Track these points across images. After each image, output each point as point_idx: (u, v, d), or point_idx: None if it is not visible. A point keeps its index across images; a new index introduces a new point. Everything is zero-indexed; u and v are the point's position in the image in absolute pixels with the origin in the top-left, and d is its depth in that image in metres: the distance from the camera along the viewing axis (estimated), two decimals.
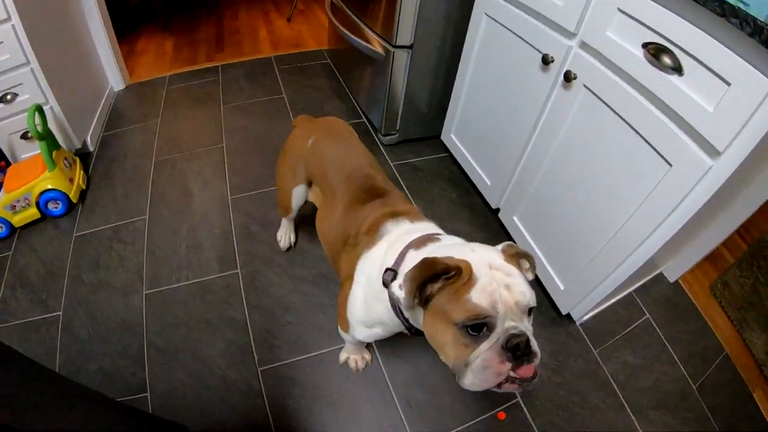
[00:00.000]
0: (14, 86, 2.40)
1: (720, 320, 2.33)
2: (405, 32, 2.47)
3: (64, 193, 2.46)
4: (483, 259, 1.07)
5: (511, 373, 0.98)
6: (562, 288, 2.07)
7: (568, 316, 2.18)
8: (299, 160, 1.84)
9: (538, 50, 1.90)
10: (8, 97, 2.40)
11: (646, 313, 2.29)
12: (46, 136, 2.40)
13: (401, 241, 1.28)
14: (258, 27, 4.60)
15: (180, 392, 1.89)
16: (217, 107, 3.38)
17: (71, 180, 2.54)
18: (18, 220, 2.41)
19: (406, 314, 1.21)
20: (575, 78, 1.72)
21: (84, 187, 2.67)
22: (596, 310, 2.22)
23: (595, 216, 1.79)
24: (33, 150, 2.61)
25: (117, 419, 1.35)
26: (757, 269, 2.22)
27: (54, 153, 2.46)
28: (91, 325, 2.08)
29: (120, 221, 2.52)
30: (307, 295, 2.22)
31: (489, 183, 2.51)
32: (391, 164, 2.97)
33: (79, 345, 2.02)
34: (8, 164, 2.59)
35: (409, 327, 1.27)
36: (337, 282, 1.60)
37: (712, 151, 1.31)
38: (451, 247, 1.16)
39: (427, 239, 1.26)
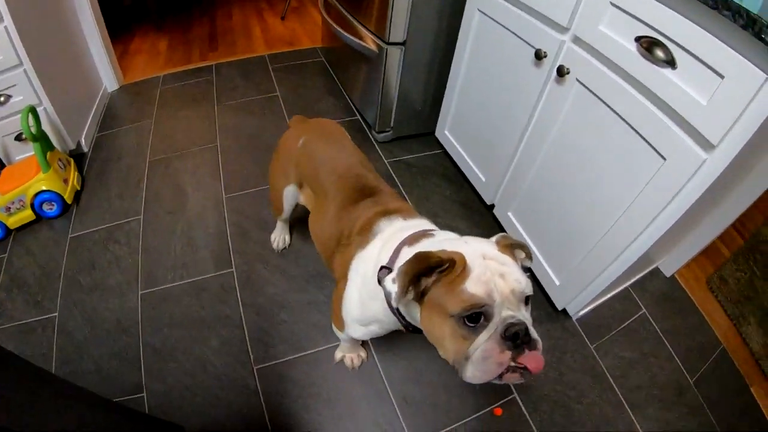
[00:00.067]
0: (7, 88, 2.39)
1: (716, 314, 2.33)
2: (398, 29, 2.46)
3: (58, 194, 2.45)
4: (476, 251, 1.07)
5: (512, 363, 0.97)
6: (557, 283, 2.07)
7: (564, 311, 2.18)
8: (290, 161, 1.84)
9: (531, 45, 1.89)
10: (1, 98, 2.39)
11: (643, 307, 2.29)
12: (40, 138, 2.39)
13: (395, 238, 1.28)
14: (252, 25, 4.59)
15: (176, 392, 1.89)
16: (211, 106, 3.38)
17: (66, 181, 2.53)
18: (13, 221, 2.40)
19: (402, 311, 1.21)
20: (568, 73, 1.72)
21: (78, 188, 2.66)
22: (592, 305, 2.22)
23: (590, 211, 1.79)
24: (27, 152, 2.60)
25: (113, 420, 1.35)
26: (754, 263, 2.22)
27: (48, 154, 2.45)
28: (86, 326, 2.07)
29: (115, 222, 2.51)
30: (302, 293, 2.22)
31: (483, 179, 2.51)
32: (386, 161, 2.96)
33: (74, 346, 2.01)
34: (2, 166, 2.57)
35: (406, 324, 1.27)
36: (332, 279, 1.59)
37: (706, 145, 1.31)
38: (444, 242, 1.15)
39: (420, 235, 1.25)
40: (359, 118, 3.32)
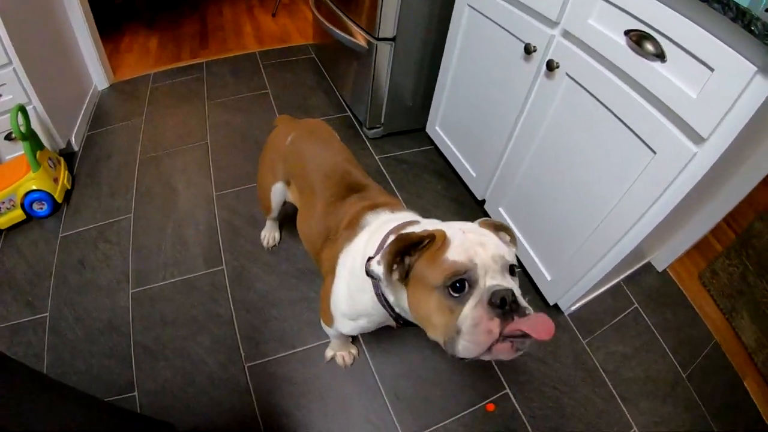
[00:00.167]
0: None
1: (709, 309, 2.33)
2: (387, 25, 2.46)
3: (48, 193, 2.43)
4: (456, 228, 1.09)
5: (504, 332, 0.94)
6: (548, 278, 2.07)
7: (556, 306, 2.17)
8: (278, 158, 1.85)
9: (520, 40, 1.89)
10: None
11: (635, 302, 2.29)
12: (30, 137, 2.38)
13: (381, 230, 1.27)
14: (242, 23, 4.58)
15: (168, 390, 1.88)
16: (202, 104, 3.36)
17: (56, 180, 2.52)
18: (3, 222, 2.38)
19: (391, 300, 1.21)
20: (558, 67, 1.71)
21: (69, 187, 2.65)
22: (584, 300, 2.21)
23: (581, 205, 1.79)
24: (17, 151, 2.59)
25: (105, 419, 1.34)
26: (746, 258, 2.22)
27: (38, 153, 2.43)
28: (78, 326, 2.06)
29: (105, 220, 2.50)
30: (293, 290, 2.22)
31: (474, 174, 2.51)
32: (377, 157, 2.96)
33: (66, 346, 2.00)
34: None
35: (396, 317, 1.27)
36: (322, 276, 1.59)
37: (697, 138, 1.31)
38: (427, 225, 1.17)
39: (406, 225, 1.25)
40: (350, 114, 3.32)
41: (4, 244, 2.38)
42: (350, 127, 3.20)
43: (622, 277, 2.37)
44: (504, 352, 0.95)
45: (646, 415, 1.91)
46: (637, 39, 1.38)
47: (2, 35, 2.24)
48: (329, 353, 1.97)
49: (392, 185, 2.77)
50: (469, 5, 2.18)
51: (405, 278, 1.08)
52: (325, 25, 3.03)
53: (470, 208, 2.66)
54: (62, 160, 2.72)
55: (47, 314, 2.10)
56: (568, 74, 1.69)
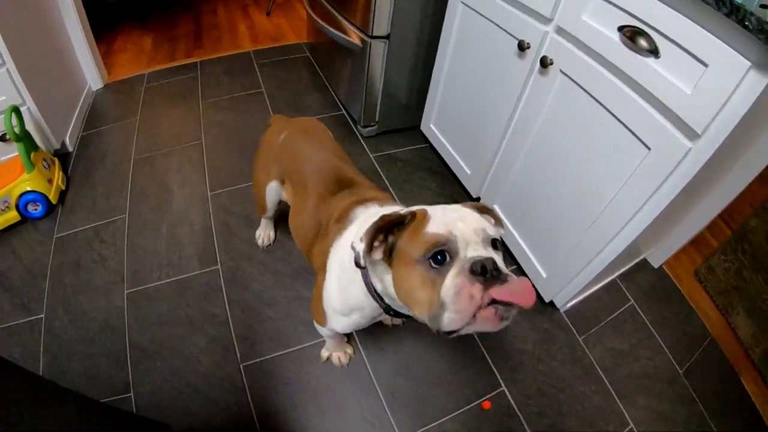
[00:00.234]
0: None
1: (705, 305, 2.33)
2: (381, 22, 2.45)
3: (43, 194, 2.43)
4: (438, 207, 1.10)
5: (487, 299, 0.93)
6: (544, 275, 2.07)
7: (552, 303, 2.18)
8: (271, 157, 1.85)
9: (514, 37, 1.89)
10: None
11: (631, 299, 2.29)
12: (24, 138, 2.37)
13: (369, 222, 1.28)
14: (237, 22, 4.57)
15: (163, 391, 1.88)
16: (196, 103, 3.36)
17: (50, 181, 2.51)
18: None
19: (378, 286, 1.22)
20: (551, 64, 1.71)
21: (63, 188, 2.64)
22: (580, 297, 2.22)
23: (575, 202, 1.79)
24: (11, 152, 2.57)
25: (101, 421, 1.34)
26: (742, 254, 2.22)
27: (32, 154, 2.43)
28: (73, 327, 2.06)
29: (100, 221, 2.49)
30: (288, 289, 2.21)
31: (469, 172, 2.51)
32: (371, 156, 2.96)
33: (62, 347, 2.00)
34: None
35: (386, 307, 1.27)
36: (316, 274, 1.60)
37: (691, 134, 1.31)
38: (413, 208, 1.17)
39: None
40: (345, 112, 3.31)
41: (0, 246, 2.38)
42: (345, 125, 3.20)
43: (617, 273, 2.37)
44: (488, 320, 0.93)
45: (642, 412, 1.91)
46: (631, 35, 1.38)
47: None
48: (325, 354, 1.96)
49: (387, 183, 2.77)
50: (462, 2, 2.17)
51: (389, 258, 1.09)
52: (319, 24, 3.02)
53: None
54: (57, 160, 2.71)
55: (43, 315, 2.09)
56: (561, 71, 1.69)
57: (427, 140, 2.99)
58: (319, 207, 1.56)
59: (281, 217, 2.36)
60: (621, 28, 1.41)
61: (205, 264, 2.30)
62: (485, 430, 1.83)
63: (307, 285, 2.22)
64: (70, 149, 2.93)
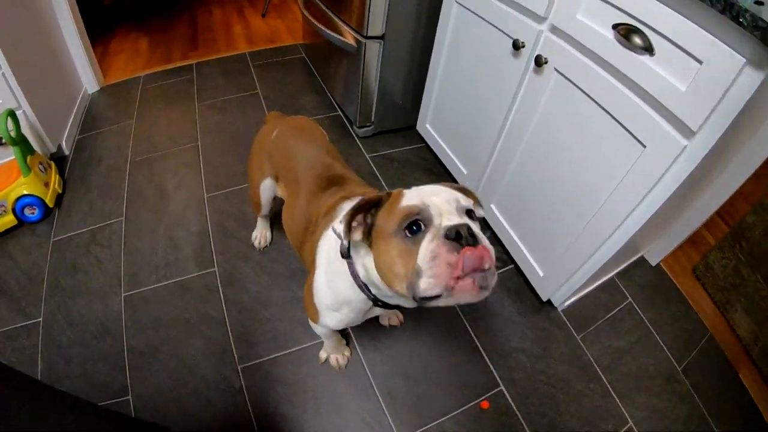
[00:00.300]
0: None
1: (703, 302, 2.33)
2: (376, 23, 2.45)
3: (40, 198, 2.42)
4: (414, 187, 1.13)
5: (462, 262, 0.93)
6: (541, 274, 2.07)
7: (549, 302, 2.18)
8: (264, 154, 1.87)
9: (508, 36, 1.89)
10: None
11: (629, 297, 2.29)
12: (20, 142, 2.36)
13: None
14: (232, 23, 4.57)
15: (161, 393, 1.88)
16: (192, 105, 3.35)
17: (47, 185, 2.51)
18: None
19: (362, 273, 1.22)
20: (546, 62, 1.71)
21: (60, 191, 2.63)
22: (578, 296, 2.22)
23: (572, 201, 1.79)
24: (7, 156, 2.56)
25: (100, 424, 1.34)
26: (739, 250, 2.22)
27: (28, 158, 2.42)
28: (71, 330, 2.05)
29: (97, 224, 2.49)
30: (286, 290, 2.21)
31: (465, 172, 2.51)
32: (367, 156, 2.96)
33: (59, 351, 1.99)
34: None
35: (374, 298, 1.28)
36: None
37: (687, 131, 1.31)
38: None
39: None
40: (340, 113, 3.31)
41: None
42: (341, 126, 3.20)
43: (615, 271, 2.37)
44: (467, 290, 0.94)
45: (641, 410, 1.91)
46: (625, 33, 1.38)
47: None
48: (323, 355, 1.97)
49: (384, 184, 2.77)
50: (457, 2, 2.17)
51: (369, 239, 1.11)
52: (314, 25, 3.02)
53: None
54: (53, 164, 2.70)
55: (40, 319, 2.09)
56: (556, 69, 1.68)
57: (423, 140, 2.99)
58: (309, 203, 1.58)
59: (277, 219, 2.35)
60: (615, 26, 1.41)
61: (202, 266, 2.30)
62: (484, 429, 1.83)
63: (303, 286, 2.20)
64: (67, 152, 2.93)
